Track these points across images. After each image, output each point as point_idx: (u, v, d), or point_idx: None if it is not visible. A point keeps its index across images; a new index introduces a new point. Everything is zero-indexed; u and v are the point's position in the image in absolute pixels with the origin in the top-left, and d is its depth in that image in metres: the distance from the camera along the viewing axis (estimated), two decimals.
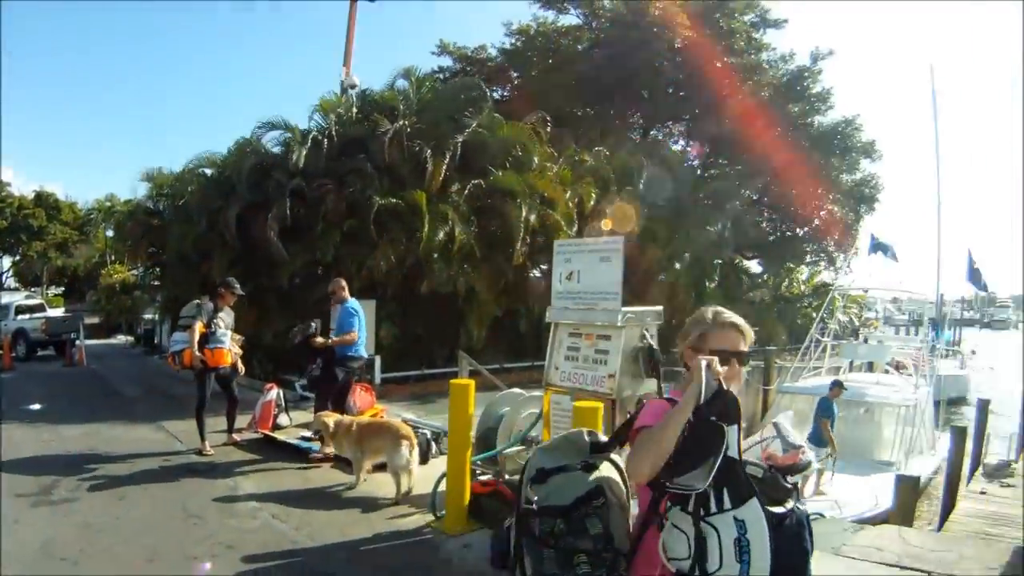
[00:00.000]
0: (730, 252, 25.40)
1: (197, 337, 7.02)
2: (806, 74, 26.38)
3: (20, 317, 19.26)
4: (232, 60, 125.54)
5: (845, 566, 4.11)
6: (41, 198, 40.07)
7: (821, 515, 5.83)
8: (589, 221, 16.67)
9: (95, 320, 25.33)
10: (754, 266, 29.27)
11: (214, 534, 4.77)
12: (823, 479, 9.54)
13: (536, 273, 16.94)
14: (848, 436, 10.93)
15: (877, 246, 18.08)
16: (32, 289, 37.53)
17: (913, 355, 15.29)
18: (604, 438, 2.09)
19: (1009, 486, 10.05)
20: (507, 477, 5.19)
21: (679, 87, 25.13)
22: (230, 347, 7.33)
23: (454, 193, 14.64)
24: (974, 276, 24.19)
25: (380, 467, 5.91)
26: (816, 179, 25.88)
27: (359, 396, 7.84)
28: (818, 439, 9.58)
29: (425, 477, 5.62)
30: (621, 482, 1.98)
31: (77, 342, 16.90)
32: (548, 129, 17.28)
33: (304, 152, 13.48)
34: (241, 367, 7.64)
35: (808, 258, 29.30)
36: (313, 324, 7.43)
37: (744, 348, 2.00)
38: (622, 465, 1.99)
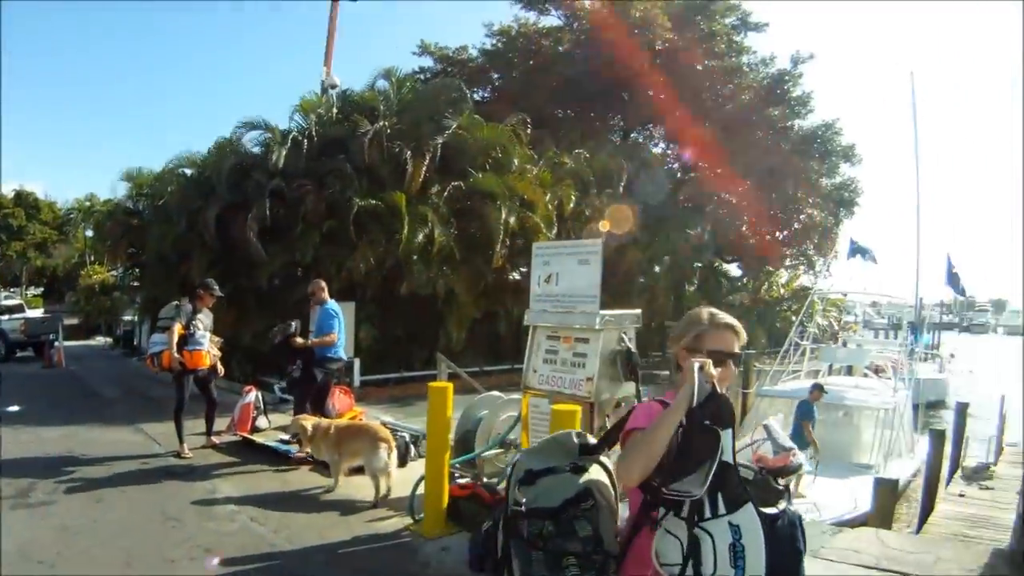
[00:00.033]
0: (710, 255, 25.61)
1: (176, 339, 6.98)
2: (786, 78, 26.56)
3: None
4: (213, 60, 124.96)
5: (823, 568, 4.11)
6: (21, 197, 39.56)
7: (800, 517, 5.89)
8: (569, 223, 16.78)
9: (74, 321, 25.06)
10: (733, 269, 29.52)
11: (192, 537, 4.77)
12: (802, 482, 9.59)
13: (515, 275, 16.99)
14: (827, 439, 11.00)
15: (856, 250, 18.26)
16: (11, 290, 37.12)
17: (892, 359, 15.40)
18: (593, 440, 2.07)
19: (988, 489, 10.25)
20: (485, 480, 5.23)
21: (660, 89, 25.29)
22: (209, 349, 7.30)
23: (434, 195, 14.69)
24: (953, 280, 24.50)
25: (358, 470, 5.90)
26: (796, 182, 26.14)
27: (338, 399, 7.85)
28: (799, 442, 9.62)
29: (403, 480, 5.60)
30: (610, 485, 1.96)
31: (56, 343, 16.67)
32: (528, 131, 17.33)
33: (284, 152, 13.50)
34: (220, 369, 7.61)
35: (788, 261, 29.44)
36: (293, 324, 7.37)
37: (738, 350, 2.00)
38: (611, 467, 1.99)
